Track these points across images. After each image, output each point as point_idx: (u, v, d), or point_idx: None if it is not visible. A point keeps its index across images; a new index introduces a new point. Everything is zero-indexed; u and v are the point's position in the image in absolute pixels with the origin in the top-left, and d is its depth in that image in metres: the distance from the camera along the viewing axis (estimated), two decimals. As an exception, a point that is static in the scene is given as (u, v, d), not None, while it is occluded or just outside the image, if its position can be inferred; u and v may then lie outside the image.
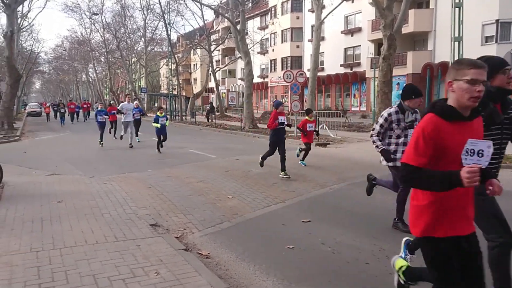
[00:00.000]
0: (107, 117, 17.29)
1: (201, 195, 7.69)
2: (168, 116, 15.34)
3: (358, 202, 7.22)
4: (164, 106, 28.20)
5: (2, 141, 18.61)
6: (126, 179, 9.14)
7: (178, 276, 4.05)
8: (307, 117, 10.92)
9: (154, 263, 4.38)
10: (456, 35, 11.75)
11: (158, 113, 14.03)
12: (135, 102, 17.90)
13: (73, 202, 6.94)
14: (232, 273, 4.39)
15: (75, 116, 34.92)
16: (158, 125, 13.61)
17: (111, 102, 28.85)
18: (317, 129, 10.87)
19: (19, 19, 32.53)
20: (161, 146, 14.06)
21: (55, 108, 37.28)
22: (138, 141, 16.97)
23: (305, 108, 14.28)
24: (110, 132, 18.64)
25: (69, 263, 4.35)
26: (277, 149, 9.37)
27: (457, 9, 11.72)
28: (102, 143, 16.07)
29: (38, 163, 11.85)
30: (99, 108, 17.29)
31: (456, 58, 11.86)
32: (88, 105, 42.19)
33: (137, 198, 7.37)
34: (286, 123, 9.46)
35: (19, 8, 30.45)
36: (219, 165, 11.08)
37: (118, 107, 16.04)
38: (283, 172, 9.15)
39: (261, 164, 9.76)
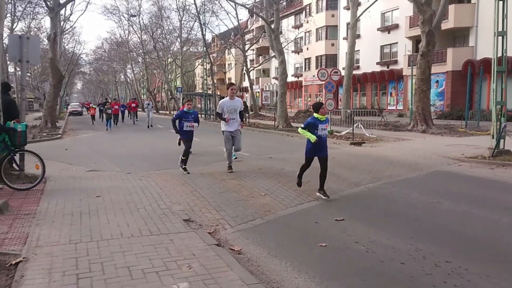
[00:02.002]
0: (197, 125, 10.20)
1: (234, 192, 7.73)
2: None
3: (393, 201, 7.05)
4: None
5: (45, 138, 19.46)
6: (161, 176, 9.32)
7: (210, 270, 4.08)
8: None
9: (187, 257, 4.43)
10: (500, 29, 11.21)
11: (317, 116, 7.18)
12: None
13: (110, 196, 7.15)
14: (263, 269, 4.39)
15: (120, 117, 30.84)
16: (313, 138, 7.02)
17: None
18: None
19: (62, 22, 33.85)
20: (322, 185, 7.27)
21: (101, 108, 33.03)
22: (235, 158, 11.04)
23: None
24: (179, 144, 12.08)
25: (105, 255, 4.47)
26: None
27: (500, 2, 11.18)
28: (186, 168, 9.74)
29: (79, 159, 12.29)
30: (185, 109, 9.98)
31: (500, 54, 11.32)
32: (137, 104, 35.89)
33: (172, 194, 7.50)
34: None
35: (62, 12, 31.71)
36: (252, 163, 11.09)
37: (217, 110, 9.99)
38: None
39: None
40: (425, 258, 4.52)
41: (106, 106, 27.45)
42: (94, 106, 36.70)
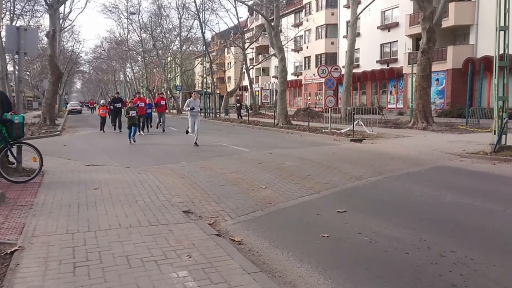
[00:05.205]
0: None
1: (234, 185, 7.63)
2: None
3: (396, 194, 6.96)
4: None
5: (44, 135, 19.32)
6: (161, 170, 9.21)
7: (210, 259, 3.99)
8: None
9: (187, 246, 4.34)
10: (502, 24, 11.12)
11: None
12: None
13: (108, 189, 7.05)
14: (265, 259, 4.29)
15: (147, 122, 20.66)
16: None
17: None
18: None
19: (61, 20, 33.74)
20: None
21: (113, 106, 21.71)
22: None
23: None
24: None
25: (103, 245, 4.38)
26: None
27: (502, -2, 11.09)
28: None
29: (77, 155, 12.17)
30: None
31: (502, 49, 11.23)
32: (166, 102, 25.80)
33: (171, 186, 7.40)
34: None
35: (61, 10, 31.62)
36: (252, 158, 10.99)
37: None
38: None
39: None
40: (430, 248, 4.43)
41: (127, 106, 17.09)
42: (103, 104, 24.14)
